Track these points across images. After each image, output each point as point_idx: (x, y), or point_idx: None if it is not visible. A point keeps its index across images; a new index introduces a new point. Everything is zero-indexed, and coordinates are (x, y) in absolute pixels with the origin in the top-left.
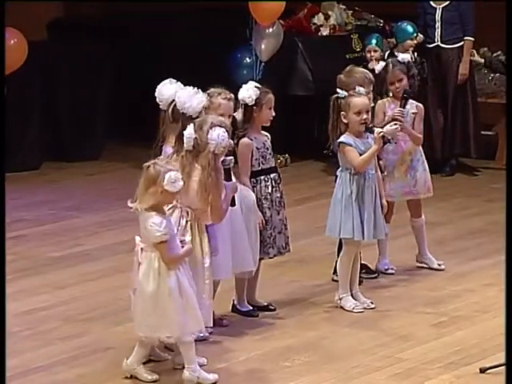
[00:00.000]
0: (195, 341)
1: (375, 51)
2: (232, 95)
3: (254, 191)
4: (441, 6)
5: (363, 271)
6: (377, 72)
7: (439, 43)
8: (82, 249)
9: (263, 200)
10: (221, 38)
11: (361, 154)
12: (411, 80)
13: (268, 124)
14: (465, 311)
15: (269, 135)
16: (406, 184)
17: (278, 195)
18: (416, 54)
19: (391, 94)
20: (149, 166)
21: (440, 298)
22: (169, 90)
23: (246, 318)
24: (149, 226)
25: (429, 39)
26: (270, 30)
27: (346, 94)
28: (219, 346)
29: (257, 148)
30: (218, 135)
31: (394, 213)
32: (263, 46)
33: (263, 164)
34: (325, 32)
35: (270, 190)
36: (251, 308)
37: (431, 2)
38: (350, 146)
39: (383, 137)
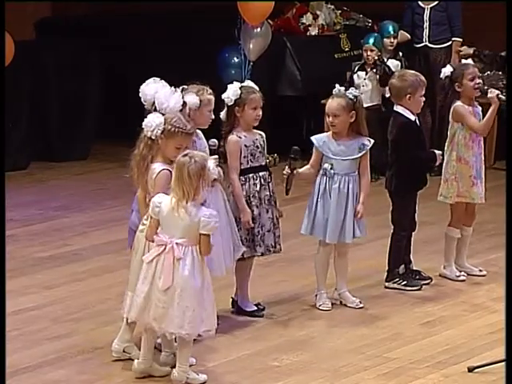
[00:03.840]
0: None
1: (372, 50)
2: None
3: (242, 189)
4: (429, 6)
5: (416, 277)
6: (443, 75)
7: (427, 43)
8: (70, 249)
9: (251, 198)
10: (210, 37)
11: (329, 157)
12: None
13: (255, 124)
14: (453, 311)
15: (263, 134)
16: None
17: (267, 193)
18: (401, 53)
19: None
20: (190, 162)
21: (428, 298)
22: (151, 90)
23: (235, 317)
24: (206, 218)
25: (416, 39)
26: (258, 29)
27: (338, 91)
28: (208, 346)
29: (245, 146)
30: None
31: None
32: (251, 46)
33: (252, 162)
34: (313, 32)
35: (258, 188)
36: (256, 308)
37: (419, 2)
38: (317, 147)
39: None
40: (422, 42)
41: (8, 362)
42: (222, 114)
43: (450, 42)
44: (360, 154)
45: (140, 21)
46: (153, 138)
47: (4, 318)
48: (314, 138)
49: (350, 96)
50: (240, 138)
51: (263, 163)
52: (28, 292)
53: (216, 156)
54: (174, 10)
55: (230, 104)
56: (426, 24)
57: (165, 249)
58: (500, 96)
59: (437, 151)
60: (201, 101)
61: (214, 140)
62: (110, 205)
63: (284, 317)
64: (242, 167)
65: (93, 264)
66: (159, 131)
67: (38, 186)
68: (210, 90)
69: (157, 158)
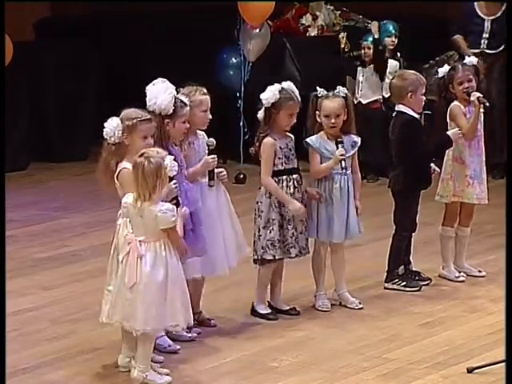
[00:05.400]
0: (184, 341)
1: (369, 48)
2: (205, 90)
3: None
4: (490, 18)
5: (416, 278)
6: (440, 75)
7: (485, 50)
8: (69, 249)
9: None
10: (209, 38)
11: (327, 156)
12: (480, 85)
13: (287, 129)
14: (452, 311)
15: (292, 136)
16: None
17: (300, 196)
18: (399, 54)
19: (455, 97)
20: (144, 163)
21: (427, 299)
22: (154, 91)
23: (234, 318)
24: (161, 213)
25: (472, 44)
26: (257, 30)
27: (324, 93)
28: (207, 347)
29: (280, 148)
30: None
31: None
32: (250, 47)
33: (286, 164)
34: (313, 32)
35: (291, 191)
36: (269, 311)
37: (478, 11)
38: (316, 148)
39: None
40: (478, 49)
41: (7, 362)
42: (260, 115)
43: (503, 46)
44: (353, 151)
45: (139, 21)
46: (117, 141)
47: (4, 319)
48: (309, 140)
49: (342, 94)
50: (275, 139)
51: (295, 166)
52: (27, 293)
53: (214, 156)
54: (173, 10)
55: (266, 106)
56: (487, 35)
57: (130, 247)
58: (480, 98)
59: (450, 131)
60: (192, 101)
61: (212, 140)
62: (110, 206)
63: (283, 317)
64: (277, 169)
65: (92, 265)
66: (120, 131)
67: (38, 187)
68: (203, 91)
69: (124, 159)
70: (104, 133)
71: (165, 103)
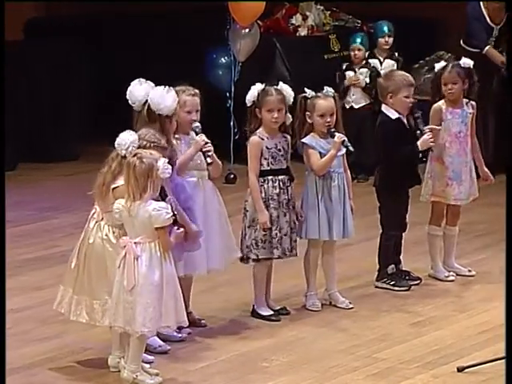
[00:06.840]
0: (174, 341)
1: (359, 50)
2: (197, 91)
3: (261, 190)
4: (498, 27)
5: (406, 278)
6: (436, 70)
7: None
8: (59, 250)
9: (270, 200)
10: (199, 38)
11: (325, 155)
12: (472, 87)
13: (273, 126)
14: (442, 311)
15: (288, 137)
16: (469, 186)
17: (286, 197)
18: (397, 53)
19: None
20: (136, 162)
21: (417, 298)
22: (140, 91)
23: (224, 317)
24: (155, 211)
25: (477, 45)
26: (247, 30)
27: (313, 93)
28: (197, 347)
29: (267, 148)
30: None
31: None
32: (240, 47)
33: (272, 164)
34: (303, 32)
35: (277, 191)
36: (271, 312)
37: (488, 21)
38: (313, 147)
39: (343, 142)
40: (482, 51)
41: None
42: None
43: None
44: (344, 150)
45: (131, 21)
46: (127, 155)
47: (4, 318)
48: (305, 140)
49: (331, 94)
50: (262, 139)
51: (284, 167)
52: (16, 293)
53: (202, 134)
54: (164, 11)
55: (248, 105)
56: (493, 43)
57: (126, 251)
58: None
59: (420, 140)
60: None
61: (197, 124)
62: None
63: (273, 317)
64: (262, 169)
65: None
66: (134, 148)
67: (27, 187)
68: (191, 91)
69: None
70: (116, 143)
71: (174, 104)
